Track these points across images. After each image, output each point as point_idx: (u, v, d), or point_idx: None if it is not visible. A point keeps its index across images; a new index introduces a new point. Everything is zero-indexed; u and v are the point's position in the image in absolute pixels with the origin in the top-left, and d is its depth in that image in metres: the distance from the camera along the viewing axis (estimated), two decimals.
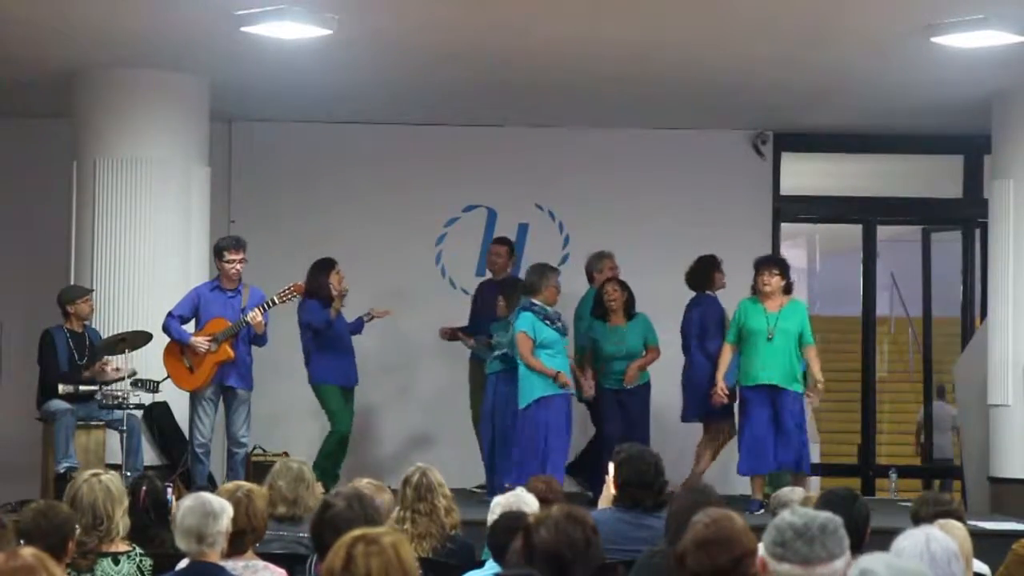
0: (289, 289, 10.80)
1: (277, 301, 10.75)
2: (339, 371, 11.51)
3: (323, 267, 11.44)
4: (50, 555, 3.67)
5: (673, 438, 11.73)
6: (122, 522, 6.04)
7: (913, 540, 4.04)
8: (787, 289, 11.01)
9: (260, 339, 10.80)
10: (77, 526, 5.81)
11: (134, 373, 10.84)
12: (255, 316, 10.56)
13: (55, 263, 12.14)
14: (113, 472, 6.37)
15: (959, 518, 6.20)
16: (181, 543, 5.47)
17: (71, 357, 11.03)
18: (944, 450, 16.33)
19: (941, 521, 5.77)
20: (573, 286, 11.97)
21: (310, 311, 11.35)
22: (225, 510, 5.50)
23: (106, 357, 10.92)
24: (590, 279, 12.09)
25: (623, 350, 11.56)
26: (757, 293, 10.99)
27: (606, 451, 11.57)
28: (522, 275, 11.73)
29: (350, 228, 13.42)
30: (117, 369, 10.86)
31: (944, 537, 4.16)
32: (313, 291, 11.28)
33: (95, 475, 6.13)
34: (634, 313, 11.66)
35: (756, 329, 10.84)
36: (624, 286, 11.67)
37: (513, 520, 5.60)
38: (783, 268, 11.05)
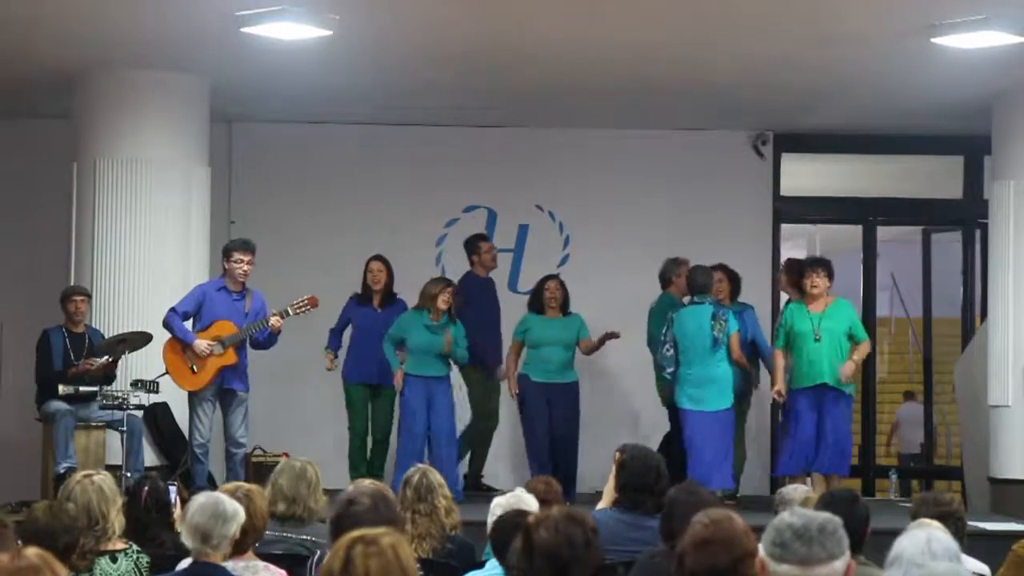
0: (303, 302, 10.77)
1: (291, 312, 10.72)
2: (360, 368, 11.69)
3: (366, 264, 11.90)
4: (57, 556, 3.67)
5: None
6: (117, 521, 6.03)
7: (914, 540, 4.04)
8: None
9: (272, 340, 10.77)
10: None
11: (114, 362, 10.86)
12: (278, 321, 10.58)
13: (55, 263, 12.14)
14: (105, 472, 6.36)
15: (960, 518, 6.19)
16: (186, 539, 5.46)
17: (66, 357, 11.03)
18: (915, 445, 17.00)
19: (924, 520, 5.76)
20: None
21: (346, 308, 11.93)
22: (237, 515, 5.47)
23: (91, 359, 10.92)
24: (666, 284, 12.08)
25: (559, 339, 11.61)
26: (803, 295, 11.13)
27: (529, 447, 11.68)
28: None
29: (350, 229, 13.42)
30: (91, 363, 10.85)
31: (945, 537, 4.16)
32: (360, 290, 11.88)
33: (87, 476, 6.12)
34: (568, 311, 11.74)
35: (802, 331, 10.97)
36: (563, 284, 11.77)
37: (517, 518, 5.59)
38: (829, 269, 11.14)
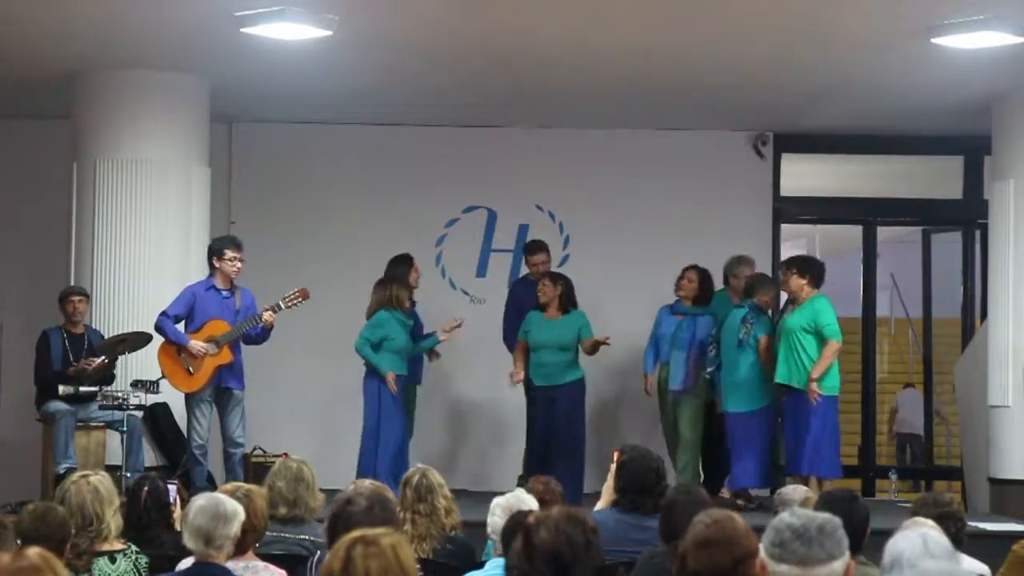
0: (295, 294, 10.74)
1: (283, 306, 10.67)
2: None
3: (402, 262, 11.67)
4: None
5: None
6: (113, 521, 6.02)
7: (910, 540, 4.03)
8: (815, 284, 10.97)
9: (265, 335, 10.73)
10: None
11: (111, 363, 10.85)
12: (271, 316, 10.53)
13: (55, 263, 12.14)
14: (103, 472, 6.35)
15: (959, 519, 6.19)
16: (189, 542, 5.45)
17: (65, 358, 11.02)
18: (913, 426, 17.21)
19: (916, 519, 5.75)
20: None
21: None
22: (237, 515, 5.47)
23: (90, 358, 10.93)
24: (725, 280, 12.07)
25: (553, 341, 11.52)
26: None
27: (535, 449, 11.61)
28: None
29: (350, 229, 13.42)
30: (90, 363, 10.85)
31: (941, 537, 4.15)
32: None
33: (84, 476, 6.11)
34: (571, 308, 11.64)
35: (778, 332, 11.10)
36: (557, 282, 11.64)
37: (526, 518, 5.59)
38: (800, 266, 11.09)
